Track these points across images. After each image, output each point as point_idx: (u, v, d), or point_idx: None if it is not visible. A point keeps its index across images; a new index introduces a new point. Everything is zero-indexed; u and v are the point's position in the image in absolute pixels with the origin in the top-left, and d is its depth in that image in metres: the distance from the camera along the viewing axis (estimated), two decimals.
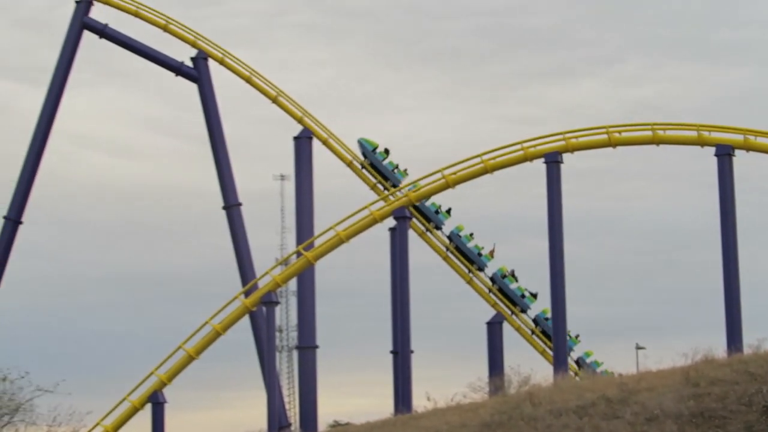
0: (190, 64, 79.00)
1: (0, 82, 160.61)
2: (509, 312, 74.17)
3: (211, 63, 78.87)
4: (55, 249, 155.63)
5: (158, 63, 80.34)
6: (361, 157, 77.68)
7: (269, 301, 69.46)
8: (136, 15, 79.35)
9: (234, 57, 79.01)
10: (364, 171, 77.81)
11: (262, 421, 71.73)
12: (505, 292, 74.45)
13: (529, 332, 74.42)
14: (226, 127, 78.89)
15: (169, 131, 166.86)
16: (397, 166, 77.10)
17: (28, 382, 51.64)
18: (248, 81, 78.63)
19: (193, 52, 78.97)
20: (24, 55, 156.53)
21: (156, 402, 68.34)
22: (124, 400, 68.64)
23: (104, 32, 79.39)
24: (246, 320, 72.07)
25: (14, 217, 76.60)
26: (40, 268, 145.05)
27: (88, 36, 79.35)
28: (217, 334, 68.74)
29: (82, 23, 78.91)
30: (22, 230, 77.20)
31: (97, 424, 67.50)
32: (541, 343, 73.83)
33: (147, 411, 68.52)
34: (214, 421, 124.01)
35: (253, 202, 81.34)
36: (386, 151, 77.55)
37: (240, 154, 79.83)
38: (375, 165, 77.47)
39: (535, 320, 74.66)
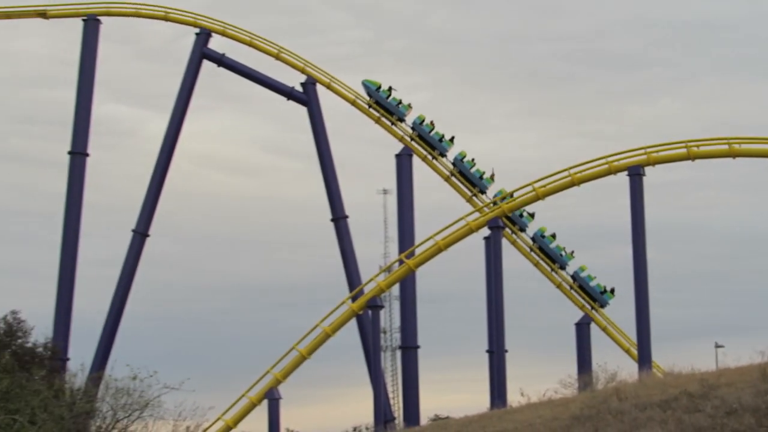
0: (300, 89, 79.86)
1: (127, 109, 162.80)
2: (589, 307, 74.32)
3: (319, 87, 79.65)
4: (178, 259, 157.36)
5: (271, 88, 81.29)
6: (367, 98, 78.75)
7: (374, 305, 70.06)
8: (251, 45, 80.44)
9: (340, 82, 79.76)
10: (371, 110, 78.84)
11: (369, 415, 72.35)
12: (585, 289, 74.60)
13: (611, 328, 74.41)
14: (333, 146, 79.67)
15: (281, 151, 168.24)
16: (400, 101, 78.03)
17: (156, 380, 52.40)
18: (353, 104, 79.24)
19: (303, 78, 79.80)
20: (148, 84, 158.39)
21: (272, 398, 69.04)
22: (243, 397, 69.45)
23: (222, 61, 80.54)
24: (353, 323, 72.62)
25: (142, 231, 77.76)
26: (165, 277, 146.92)
27: (206, 65, 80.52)
28: (326, 336, 69.39)
29: (201, 53, 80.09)
30: (149, 242, 78.36)
31: (219, 419, 68.33)
32: (626, 342, 73.64)
33: (264, 406, 69.20)
34: (324, 416, 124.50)
35: (359, 215, 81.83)
36: (389, 89, 78.51)
37: (346, 171, 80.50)
38: (380, 102, 78.43)
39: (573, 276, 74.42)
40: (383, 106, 78.32)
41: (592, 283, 74.83)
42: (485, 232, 70.24)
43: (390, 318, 75.51)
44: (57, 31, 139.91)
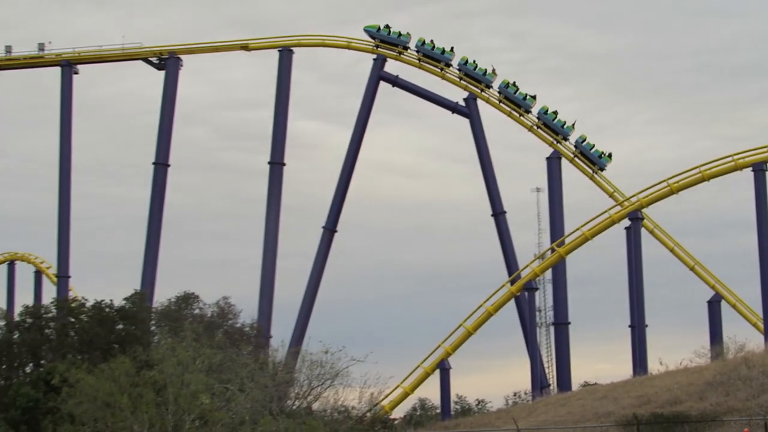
0: (462, 103, 79.77)
1: (316, 124, 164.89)
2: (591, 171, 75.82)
3: (479, 102, 79.44)
4: (362, 251, 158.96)
5: (437, 104, 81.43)
6: (372, 40, 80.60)
7: (530, 287, 69.91)
8: (419, 67, 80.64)
9: (496, 95, 79.40)
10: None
11: (527, 382, 72.00)
12: (585, 154, 76.18)
13: (739, 305, 72.74)
14: (492, 152, 79.49)
15: (446, 157, 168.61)
16: (400, 33, 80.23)
17: (345, 354, 52.70)
18: (509, 115, 78.88)
19: (465, 94, 79.65)
20: (333, 103, 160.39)
21: (443, 368, 69.19)
22: (419, 367, 69.70)
23: (396, 82, 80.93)
24: (512, 303, 72.36)
25: (331, 227, 78.60)
26: (351, 266, 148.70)
27: (383, 85, 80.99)
28: (489, 314, 69.37)
29: (378, 76, 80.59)
30: (337, 237, 79.18)
31: (398, 386, 68.66)
32: (753, 317, 71.85)
33: (436, 375, 69.41)
34: (488, 383, 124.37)
35: (515, 210, 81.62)
36: (387, 26, 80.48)
37: (503, 173, 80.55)
38: (382, 39, 79.92)
39: None
40: (386, 41, 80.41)
41: (592, 150, 76.30)
42: (626, 223, 69.64)
43: (544, 298, 74.70)
44: (257, 60, 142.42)
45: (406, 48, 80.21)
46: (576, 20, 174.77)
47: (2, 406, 53.74)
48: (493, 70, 78.95)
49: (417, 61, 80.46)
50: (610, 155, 76.83)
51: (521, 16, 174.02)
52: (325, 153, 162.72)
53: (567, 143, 77.11)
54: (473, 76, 78.89)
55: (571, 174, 76.62)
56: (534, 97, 77.87)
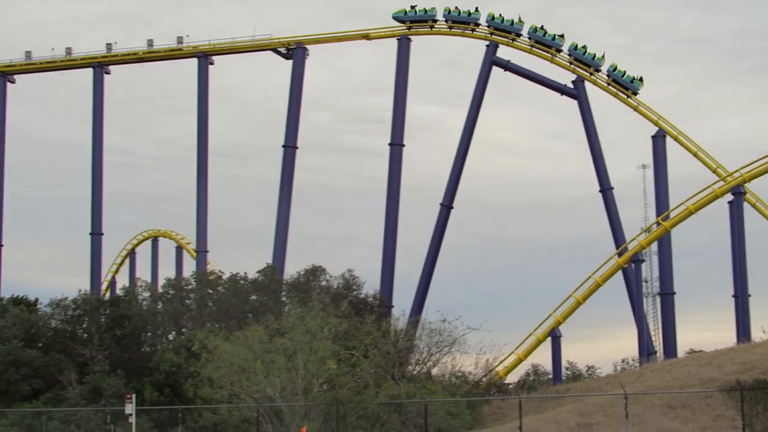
0: (571, 86, 78.89)
1: (432, 107, 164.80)
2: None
3: (587, 84, 78.47)
4: (477, 226, 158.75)
5: (547, 86, 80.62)
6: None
7: (637, 259, 68.99)
8: (530, 52, 79.88)
9: (603, 78, 78.37)
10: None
11: (634, 349, 71.12)
12: (618, 81, 76.58)
13: None
14: (600, 131, 78.50)
15: (556, 136, 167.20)
16: (426, 10, 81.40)
17: (461, 322, 52.81)
18: (614, 96, 77.83)
19: (573, 77, 78.75)
20: (448, 87, 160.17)
21: (554, 336, 68.78)
22: (531, 335, 69.39)
23: (507, 66, 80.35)
24: (619, 274, 71.49)
25: (447, 204, 78.54)
26: (466, 240, 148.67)
27: (495, 70, 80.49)
28: (598, 285, 68.72)
29: (491, 61, 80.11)
30: (453, 213, 79.12)
31: (512, 353, 68.48)
32: None
33: (547, 343, 69.06)
34: (597, 350, 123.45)
35: (622, 186, 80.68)
36: (412, 7, 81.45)
37: (610, 150, 79.58)
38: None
39: None
40: (416, 20, 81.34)
41: (624, 77, 76.42)
42: (729, 197, 68.25)
43: (650, 270, 73.63)
44: (377, 49, 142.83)
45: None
46: (679, 3, 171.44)
47: (148, 370, 55.06)
48: (603, 55, 78.01)
49: (528, 47, 79.75)
50: (641, 79, 77.49)
51: (625, 0, 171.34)
52: (441, 134, 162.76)
53: (636, 97, 77.23)
54: (583, 61, 78.01)
55: (675, 151, 75.48)
56: (641, 80, 76.84)
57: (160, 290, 63.98)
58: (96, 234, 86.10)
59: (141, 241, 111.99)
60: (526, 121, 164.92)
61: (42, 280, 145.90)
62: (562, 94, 79.67)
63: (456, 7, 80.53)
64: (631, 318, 72.70)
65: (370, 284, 66.16)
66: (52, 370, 55.56)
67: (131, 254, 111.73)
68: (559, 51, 78.86)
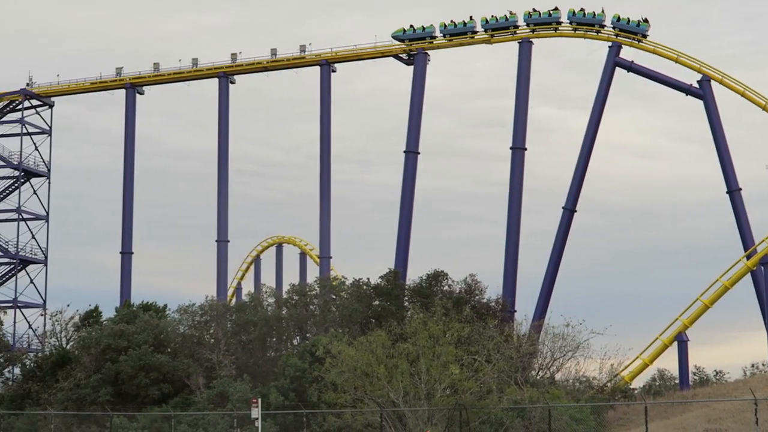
0: (696, 85, 77.50)
1: (553, 110, 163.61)
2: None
3: (713, 84, 77.02)
4: (599, 229, 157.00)
5: (671, 87, 79.26)
6: (529, 27, 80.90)
7: (766, 262, 67.33)
8: (654, 52, 78.66)
9: (730, 77, 76.80)
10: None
11: (764, 354, 69.56)
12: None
13: None
14: (726, 131, 76.89)
15: (680, 138, 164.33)
16: (423, 27, 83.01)
17: (585, 327, 52.45)
18: (742, 95, 76.08)
19: (698, 77, 77.33)
20: (569, 89, 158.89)
21: (681, 340, 67.60)
22: (657, 339, 68.31)
23: (631, 67, 79.27)
24: (747, 278, 69.92)
25: (570, 207, 77.81)
26: (589, 243, 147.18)
27: (618, 71, 79.53)
28: (726, 289, 67.34)
29: (614, 62, 79.18)
30: (576, 217, 78.39)
31: (637, 357, 67.46)
32: None
33: (674, 347, 67.90)
34: (725, 355, 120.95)
35: (750, 187, 78.63)
36: (411, 26, 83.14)
37: (737, 151, 77.57)
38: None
39: None
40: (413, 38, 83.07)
41: (629, 24, 77.50)
42: None
43: None
44: (498, 52, 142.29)
45: (645, 36, 78.70)
46: None
47: (273, 375, 55.93)
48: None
49: (652, 48, 78.62)
50: (646, 20, 78.31)
51: None
52: (563, 137, 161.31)
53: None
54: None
55: None
56: (646, 21, 78.72)
57: (285, 296, 64.86)
58: (222, 241, 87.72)
59: (266, 248, 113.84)
60: (650, 123, 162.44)
61: (170, 287, 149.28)
62: (687, 94, 78.27)
63: (581, 9, 79.92)
64: (761, 322, 70.98)
65: (493, 289, 66.05)
66: (180, 374, 56.90)
67: (256, 261, 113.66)
68: (645, 36, 78.51)
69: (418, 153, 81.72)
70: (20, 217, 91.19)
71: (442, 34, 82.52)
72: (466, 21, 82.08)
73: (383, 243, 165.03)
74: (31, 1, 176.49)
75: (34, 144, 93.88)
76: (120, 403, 55.23)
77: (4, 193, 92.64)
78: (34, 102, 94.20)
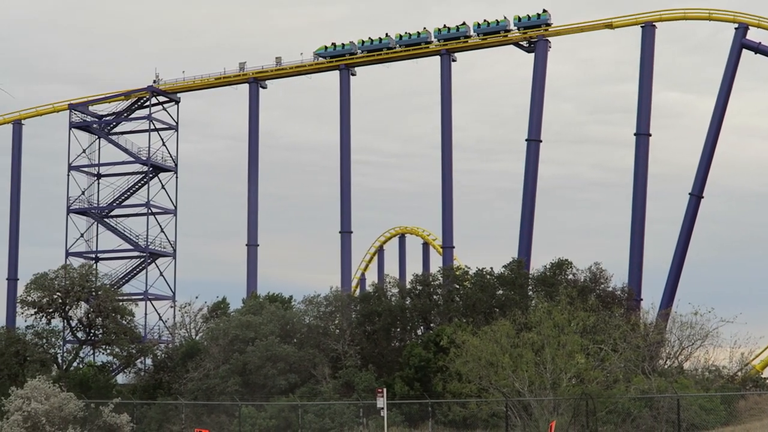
0: None
1: (678, 94, 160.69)
2: None
3: None
4: (727, 215, 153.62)
5: None
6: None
7: None
8: None
9: None
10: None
11: None
12: None
13: None
14: None
15: None
16: (343, 45, 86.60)
17: (714, 315, 51.50)
18: None
19: None
20: (693, 73, 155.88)
21: None
22: None
23: (758, 49, 77.36)
24: None
25: (697, 193, 76.42)
26: (717, 229, 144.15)
27: (745, 53, 77.70)
28: None
29: (740, 44, 77.39)
30: (703, 203, 76.90)
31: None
32: None
33: None
34: None
35: None
36: (333, 44, 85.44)
37: None
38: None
39: None
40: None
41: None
42: None
43: None
44: (620, 37, 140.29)
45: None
46: None
47: (398, 365, 56.27)
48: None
49: None
50: (544, 10, 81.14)
51: None
52: (688, 122, 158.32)
53: None
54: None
55: None
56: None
57: (408, 286, 65.14)
58: (345, 232, 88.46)
59: (388, 239, 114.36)
60: None
61: (295, 278, 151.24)
62: None
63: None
64: None
65: (618, 277, 65.32)
66: (306, 365, 57.66)
67: (379, 251, 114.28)
68: None
69: (540, 141, 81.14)
70: (149, 211, 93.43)
71: (517, 29, 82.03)
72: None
73: (506, 232, 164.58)
74: (156, 0, 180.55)
75: (162, 140, 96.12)
76: (248, 393, 56.22)
77: (134, 189, 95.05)
78: (161, 98, 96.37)
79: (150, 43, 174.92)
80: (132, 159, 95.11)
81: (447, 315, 60.11)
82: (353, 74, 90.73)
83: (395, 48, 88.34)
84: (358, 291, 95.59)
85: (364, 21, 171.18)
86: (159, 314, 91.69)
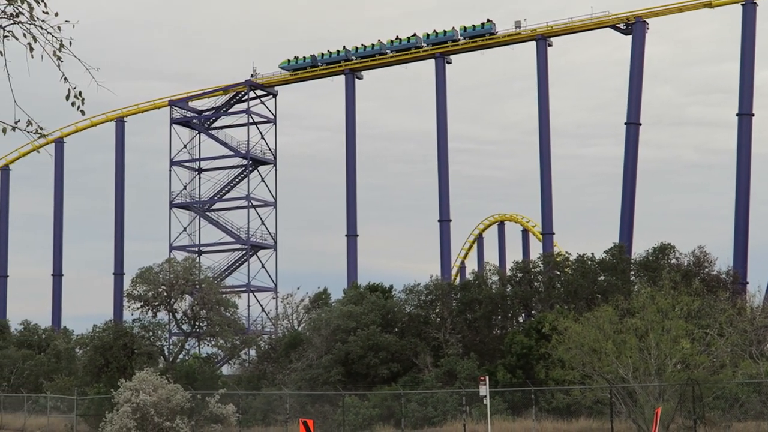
0: None
1: None
2: None
3: None
4: None
5: None
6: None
7: None
8: None
9: None
10: None
11: None
12: None
13: None
14: None
15: None
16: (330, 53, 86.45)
17: None
18: None
19: None
20: None
21: None
22: None
23: None
24: None
25: None
26: None
27: None
28: None
29: None
30: None
31: None
32: None
33: None
34: None
35: None
36: (296, 57, 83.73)
37: None
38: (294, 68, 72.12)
39: None
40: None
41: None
42: None
43: None
44: (720, 16, 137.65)
45: (492, 34, 76.78)
46: None
47: (500, 352, 56.07)
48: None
49: None
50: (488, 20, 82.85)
51: None
52: None
53: None
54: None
55: None
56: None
57: (509, 273, 64.84)
58: (444, 221, 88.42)
59: (487, 226, 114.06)
60: None
61: (395, 267, 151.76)
62: None
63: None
64: None
65: (723, 260, 64.13)
66: (408, 353, 57.77)
67: (479, 239, 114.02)
68: None
69: (640, 124, 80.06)
70: (250, 204, 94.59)
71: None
72: None
73: (606, 217, 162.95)
74: None
75: (260, 133, 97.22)
76: (351, 382, 56.53)
77: (234, 182, 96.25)
78: (259, 92, 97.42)
79: (246, 38, 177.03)
80: (232, 153, 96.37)
81: (548, 302, 59.69)
82: (449, 62, 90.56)
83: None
84: (458, 279, 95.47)
85: (458, 9, 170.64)
86: (261, 306, 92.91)
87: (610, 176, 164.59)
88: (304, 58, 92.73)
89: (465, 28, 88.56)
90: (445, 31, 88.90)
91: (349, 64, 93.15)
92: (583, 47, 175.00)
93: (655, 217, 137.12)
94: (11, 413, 63.78)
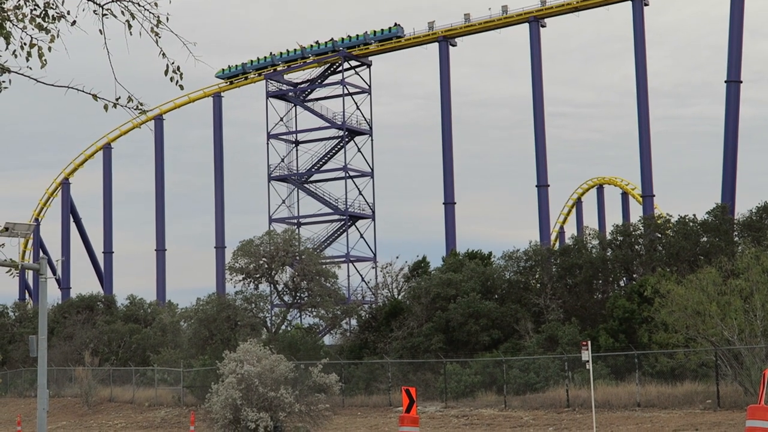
0: None
1: None
2: None
3: None
4: None
5: None
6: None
7: None
8: None
9: None
10: None
11: None
12: None
13: None
14: None
15: None
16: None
17: None
18: None
19: None
20: None
21: None
22: None
23: None
24: None
25: None
26: None
27: None
28: None
29: None
30: None
31: None
32: None
33: None
34: None
35: None
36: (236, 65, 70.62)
37: None
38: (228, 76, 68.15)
39: None
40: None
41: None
42: None
43: None
44: None
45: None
46: None
47: (601, 317, 55.71)
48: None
49: None
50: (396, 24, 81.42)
51: None
52: None
53: None
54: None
55: None
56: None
57: (609, 237, 64.25)
58: (542, 186, 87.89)
59: (586, 190, 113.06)
60: None
61: (493, 234, 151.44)
62: None
63: None
64: None
65: None
66: (509, 320, 57.73)
67: (577, 203, 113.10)
68: None
69: (741, 82, 78.37)
70: (347, 174, 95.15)
71: None
72: None
73: (707, 178, 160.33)
74: None
75: (356, 103, 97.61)
76: (452, 349, 56.70)
77: (331, 153, 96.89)
78: (353, 63, 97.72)
79: (338, 9, 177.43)
80: (328, 124, 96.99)
81: (650, 265, 59.02)
82: (543, 26, 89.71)
83: None
84: (557, 244, 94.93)
85: None
86: (361, 275, 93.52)
87: (710, 135, 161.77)
88: (239, 65, 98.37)
89: None
90: None
91: (443, 32, 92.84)
92: (680, 5, 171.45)
93: (759, 176, 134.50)
94: (120, 386, 65.39)
